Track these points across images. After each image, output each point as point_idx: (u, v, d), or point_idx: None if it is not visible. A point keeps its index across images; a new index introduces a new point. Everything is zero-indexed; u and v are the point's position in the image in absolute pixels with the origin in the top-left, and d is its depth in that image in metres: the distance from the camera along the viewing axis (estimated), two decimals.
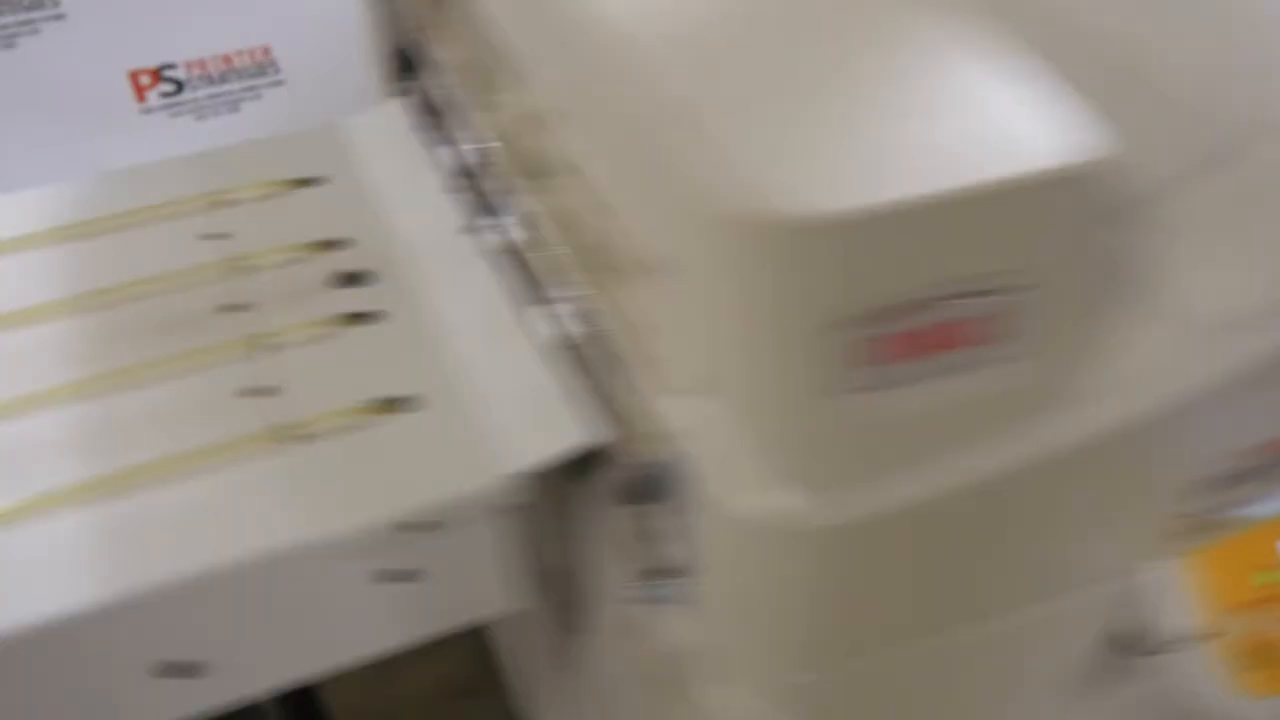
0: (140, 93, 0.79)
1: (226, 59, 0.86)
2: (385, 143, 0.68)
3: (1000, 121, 0.36)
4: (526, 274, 0.56)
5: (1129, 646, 0.47)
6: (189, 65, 0.85)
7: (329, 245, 0.61)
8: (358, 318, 0.56)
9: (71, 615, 0.44)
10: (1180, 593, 0.46)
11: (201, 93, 0.86)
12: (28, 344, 0.54)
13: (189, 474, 0.48)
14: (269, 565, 0.46)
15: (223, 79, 0.87)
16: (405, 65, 0.69)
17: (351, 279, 0.58)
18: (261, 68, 0.88)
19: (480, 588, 0.54)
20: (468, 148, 0.62)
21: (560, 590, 0.59)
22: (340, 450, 0.50)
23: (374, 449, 0.50)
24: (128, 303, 0.57)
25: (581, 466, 0.50)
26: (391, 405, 0.52)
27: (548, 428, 0.50)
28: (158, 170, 0.66)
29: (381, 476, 0.49)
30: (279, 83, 1.11)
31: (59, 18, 0.77)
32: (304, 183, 0.65)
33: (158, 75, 0.83)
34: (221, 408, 0.51)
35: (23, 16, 0.75)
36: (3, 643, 0.43)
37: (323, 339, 0.55)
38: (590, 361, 0.50)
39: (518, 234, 0.57)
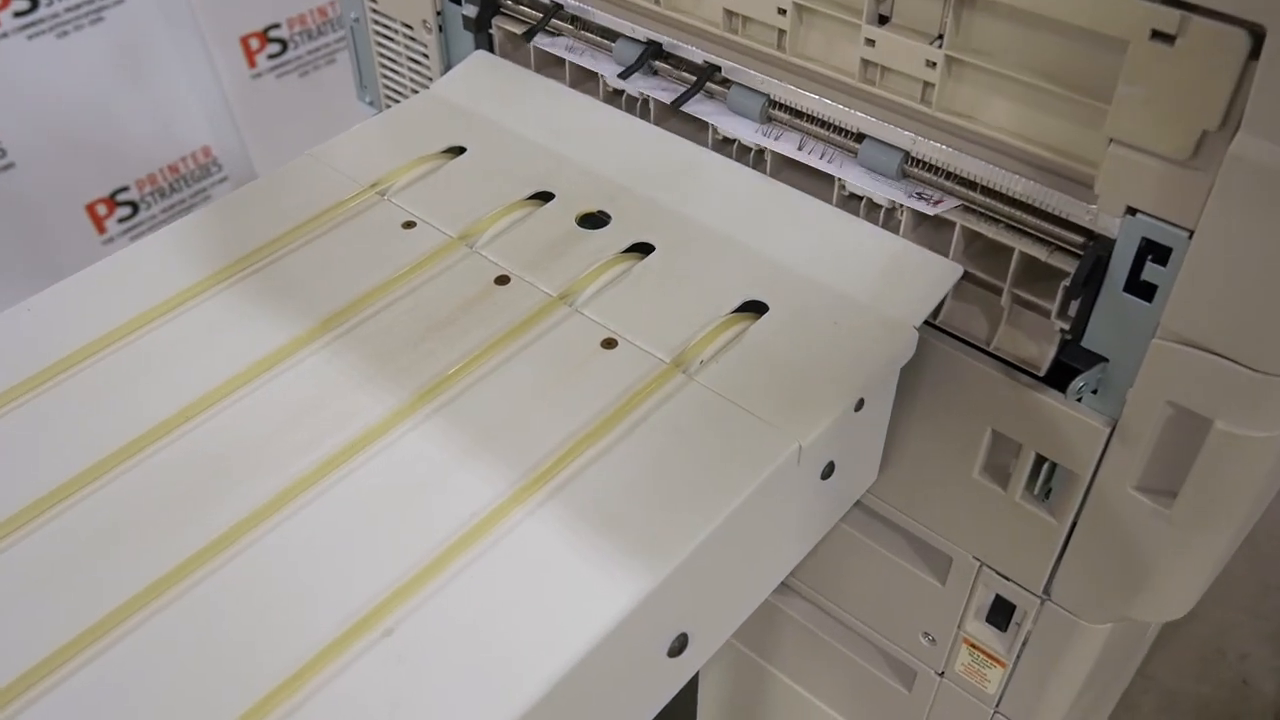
0: None
1: None
2: (502, 89, 0.63)
3: None
4: (774, 159, 0.55)
5: None
6: None
7: (540, 198, 0.56)
8: (638, 249, 0.53)
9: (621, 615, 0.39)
10: None
11: None
12: (305, 386, 0.47)
13: (625, 437, 0.44)
14: (761, 491, 0.43)
15: None
16: (487, 9, 0.63)
17: (594, 219, 0.55)
18: None
19: (866, 465, 0.54)
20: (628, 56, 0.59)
21: None
22: (743, 362, 0.47)
23: (770, 351, 0.48)
24: (381, 312, 0.50)
25: None
26: (751, 311, 0.49)
27: (914, 275, 0.50)
28: (284, 179, 0.57)
29: (799, 372, 0.47)
30: None
31: None
32: (453, 151, 0.59)
33: None
34: (597, 364, 0.47)
35: None
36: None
37: (623, 279, 0.51)
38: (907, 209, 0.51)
39: (749, 124, 0.55)
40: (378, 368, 0.47)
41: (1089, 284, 0.46)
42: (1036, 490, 0.54)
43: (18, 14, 1.42)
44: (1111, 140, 0.43)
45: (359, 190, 0.56)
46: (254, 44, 1.62)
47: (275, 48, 1.64)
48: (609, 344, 0.48)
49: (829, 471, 0.48)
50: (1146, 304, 0.45)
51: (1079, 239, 0.46)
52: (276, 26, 1.62)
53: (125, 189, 1.59)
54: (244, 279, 0.52)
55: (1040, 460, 0.52)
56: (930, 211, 0.50)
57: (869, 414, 0.48)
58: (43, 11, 1.44)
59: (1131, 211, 0.44)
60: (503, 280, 0.51)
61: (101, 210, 1.58)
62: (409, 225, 0.54)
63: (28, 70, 1.44)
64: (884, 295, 0.50)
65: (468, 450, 0.43)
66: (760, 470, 0.42)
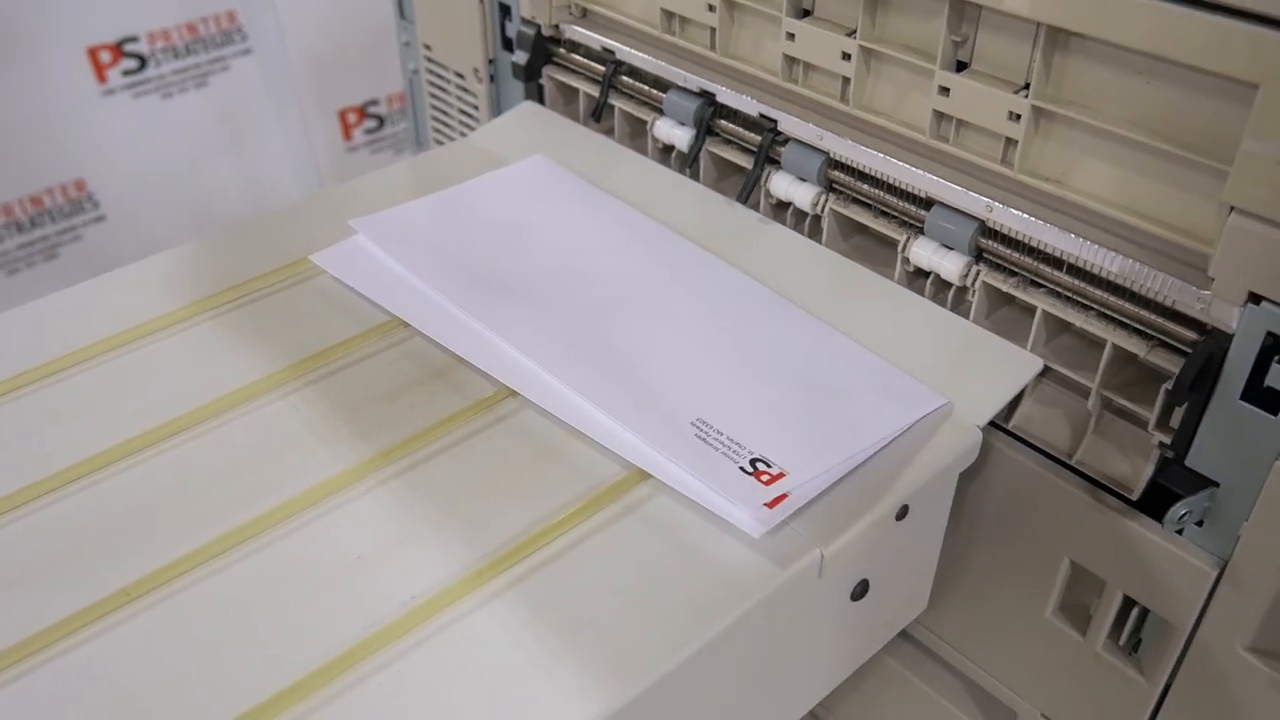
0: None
1: None
2: (544, 143, 0.57)
3: None
4: (840, 225, 0.48)
5: None
6: None
7: None
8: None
9: None
10: None
11: None
12: (265, 430, 0.41)
13: (608, 526, 0.37)
14: (767, 606, 0.35)
15: None
16: (538, 56, 0.59)
17: None
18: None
19: (913, 591, 0.45)
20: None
21: None
22: None
23: None
24: (367, 359, 0.44)
25: None
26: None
27: (983, 365, 0.42)
28: (294, 216, 0.53)
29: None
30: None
31: None
32: None
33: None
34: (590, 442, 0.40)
35: None
36: None
37: None
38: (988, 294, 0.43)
39: (806, 189, 0.49)
40: (346, 419, 0.41)
41: (1197, 388, 0.37)
42: (1123, 640, 0.44)
43: (126, 73, 1.45)
44: (1232, 209, 0.35)
45: None
46: (351, 118, 1.62)
47: (373, 123, 1.65)
48: None
49: (862, 591, 0.40)
50: (1270, 416, 0.36)
51: (1188, 333, 0.38)
52: (375, 103, 1.63)
53: None
54: (227, 312, 0.47)
55: (1129, 604, 0.43)
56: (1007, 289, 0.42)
57: (915, 526, 0.40)
58: (150, 72, 1.47)
59: (1255, 299, 0.35)
60: None
61: None
62: None
63: (130, 128, 1.47)
64: (944, 386, 0.42)
65: (420, 523, 0.37)
66: (768, 581, 0.34)
